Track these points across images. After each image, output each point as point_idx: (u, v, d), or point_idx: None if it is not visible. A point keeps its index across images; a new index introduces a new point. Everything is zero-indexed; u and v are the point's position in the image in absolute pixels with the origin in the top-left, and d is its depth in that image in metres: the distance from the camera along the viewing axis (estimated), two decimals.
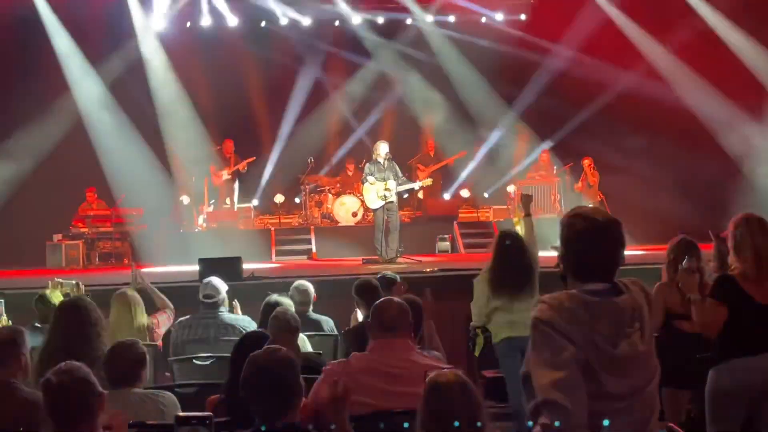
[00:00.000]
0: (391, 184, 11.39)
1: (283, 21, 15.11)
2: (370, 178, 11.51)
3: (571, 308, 2.57)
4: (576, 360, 2.50)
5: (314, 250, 13.40)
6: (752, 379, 4.24)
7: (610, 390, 2.53)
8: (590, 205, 2.78)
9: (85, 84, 14.09)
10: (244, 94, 15.24)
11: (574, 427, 2.45)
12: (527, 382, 2.58)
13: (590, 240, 2.66)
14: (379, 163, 11.54)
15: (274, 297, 5.66)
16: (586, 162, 14.12)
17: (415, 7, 15.25)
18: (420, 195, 14.82)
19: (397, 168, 11.74)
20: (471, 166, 15.28)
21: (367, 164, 11.86)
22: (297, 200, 15.11)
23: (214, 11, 14.75)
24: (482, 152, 15.36)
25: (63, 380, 3.00)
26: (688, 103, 13.97)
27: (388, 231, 11.53)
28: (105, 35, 14.41)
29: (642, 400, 2.62)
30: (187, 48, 14.86)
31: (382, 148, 11.63)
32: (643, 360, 2.61)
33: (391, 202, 11.46)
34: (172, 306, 6.24)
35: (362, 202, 12.91)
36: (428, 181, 12.75)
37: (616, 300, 2.61)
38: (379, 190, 11.42)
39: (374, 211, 11.75)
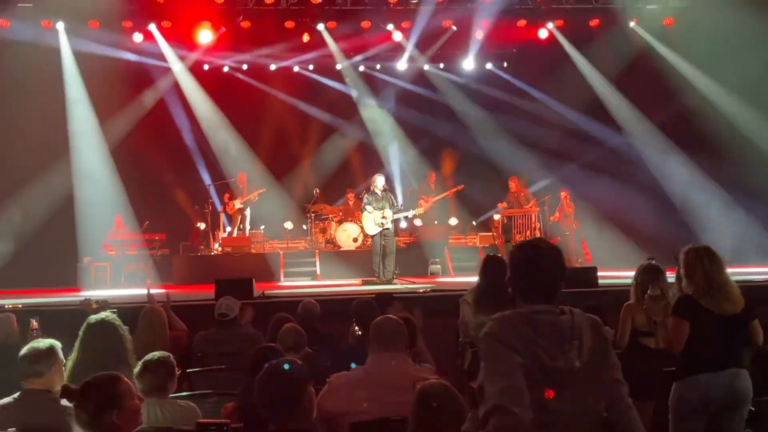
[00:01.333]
0: (388, 212, 11.47)
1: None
2: (369, 207, 11.56)
3: (515, 324, 2.63)
4: (521, 369, 2.54)
5: (318, 272, 13.42)
6: (713, 393, 4.27)
7: (549, 403, 2.55)
8: (539, 236, 2.81)
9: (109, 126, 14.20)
10: (259, 132, 15.39)
11: (521, 430, 2.47)
12: (481, 394, 2.60)
13: (532, 265, 2.74)
14: (376, 193, 11.61)
15: (283, 315, 5.70)
16: (563, 194, 14.21)
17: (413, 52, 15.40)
18: (417, 222, 14.88)
19: (393, 198, 11.81)
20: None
21: (366, 195, 11.90)
22: (303, 227, 15.16)
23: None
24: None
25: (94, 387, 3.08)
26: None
27: (385, 255, 11.56)
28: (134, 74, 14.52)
29: (584, 421, 2.63)
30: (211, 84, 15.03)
31: (379, 181, 11.70)
32: (581, 377, 2.61)
33: (388, 228, 11.52)
34: (185, 327, 6.26)
35: (362, 228, 12.93)
36: (420, 210, 12.76)
37: (556, 319, 2.66)
38: (376, 218, 11.48)
39: (372, 237, 11.78)
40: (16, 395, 3.89)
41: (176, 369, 4.05)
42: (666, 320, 4.48)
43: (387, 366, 3.80)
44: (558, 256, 2.77)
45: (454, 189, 14.85)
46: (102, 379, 3.10)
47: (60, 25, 13.50)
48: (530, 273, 2.74)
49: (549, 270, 2.74)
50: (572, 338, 2.64)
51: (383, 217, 11.46)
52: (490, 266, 6.07)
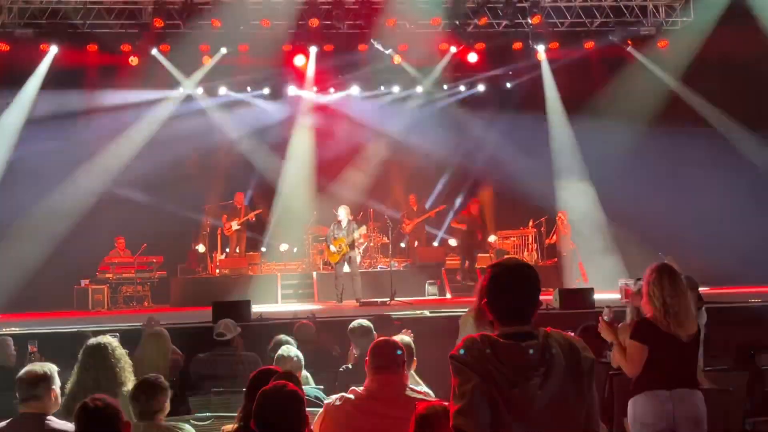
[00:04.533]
0: (344, 240, 12.07)
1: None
2: (331, 245, 12.20)
3: (479, 347, 2.57)
4: (480, 391, 2.49)
5: (316, 293, 13.39)
6: (665, 411, 4.29)
7: (514, 428, 2.50)
8: (512, 256, 2.77)
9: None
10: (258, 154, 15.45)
11: None
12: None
13: (505, 286, 2.66)
14: (340, 223, 12.15)
15: (281, 337, 5.68)
16: (559, 215, 14.24)
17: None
18: (416, 244, 14.93)
19: (354, 225, 12.30)
20: None
21: (332, 225, 12.37)
22: (296, 249, 15.17)
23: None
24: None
25: (97, 404, 3.13)
26: None
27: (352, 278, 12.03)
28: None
29: None
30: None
31: (341, 212, 12.23)
32: (542, 407, 2.52)
33: (349, 254, 12.06)
34: (180, 352, 6.26)
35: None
36: (363, 229, 12.92)
37: (520, 345, 2.58)
38: (335, 251, 12.13)
39: (335, 264, 12.25)
40: (11, 419, 3.87)
41: (169, 391, 4.02)
42: (622, 341, 4.51)
43: (384, 388, 3.78)
44: (530, 276, 2.67)
45: (436, 209, 14.91)
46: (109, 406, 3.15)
47: None
48: (501, 293, 2.65)
49: (519, 290, 2.65)
50: (538, 365, 2.54)
51: (340, 246, 12.06)
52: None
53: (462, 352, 2.57)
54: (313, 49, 14.27)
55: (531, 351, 2.56)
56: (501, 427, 2.48)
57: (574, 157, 14.78)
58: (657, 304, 4.37)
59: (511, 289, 2.65)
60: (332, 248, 12.19)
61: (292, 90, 15.24)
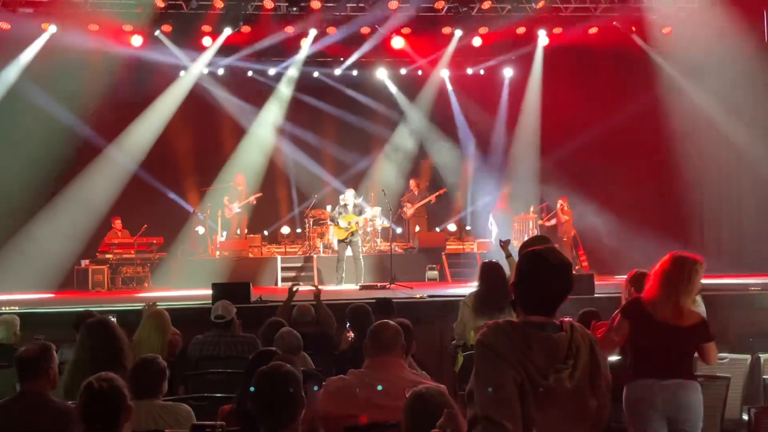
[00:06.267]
0: (354, 217, 12.30)
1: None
2: (339, 220, 12.27)
3: (510, 335, 2.54)
4: (513, 381, 2.47)
5: (316, 276, 13.41)
6: (656, 399, 4.30)
7: (537, 419, 2.49)
8: (552, 244, 2.74)
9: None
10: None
11: None
12: (471, 398, 2.56)
13: (541, 277, 2.63)
14: (347, 206, 12.34)
15: (274, 320, 5.69)
16: (559, 201, 14.21)
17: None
18: (416, 228, 14.92)
19: (363, 206, 12.61)
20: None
21: (337, 207, 12.53)
22: (299, 231, 15.18)
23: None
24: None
25: (102, 386, 3.03)
26: None
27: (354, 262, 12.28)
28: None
29: None
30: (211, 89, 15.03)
31: (348, 195, 12.51)
32: (570, 398, 2.54)
33: (355, 237, 12.29)
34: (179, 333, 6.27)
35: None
36: (377, 210, 13.24)
37: (554, 336, 2.58)
38: (344, 227, 12.22)
39: (339, 243, 12.45)
40: (11, 397, 3.88)
41: (167, 372, 4.03)
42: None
43: (383, 371, 3.79)
44: (568, 272, 2.66)
45: (437, 193, 14.89)
46: (114, 389, 3.08)
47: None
48: (536, 285, 2.63)
49: (556, 286, 2.63)
50: (567, 357, 2.56)
51: (349, 222, 12.19)
52: (488, 272, 6.18)
53: (493, 340, 2.53)
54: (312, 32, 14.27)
55: (562, 343, 2.57)
56: (526, 418, 2.47)
57: None
58: (662, 291, 4.34)
59: (549, 284, 2.63)
60: (342, 224, 12.25)
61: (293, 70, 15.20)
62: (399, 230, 15.43)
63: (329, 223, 13.12)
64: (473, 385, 2.54)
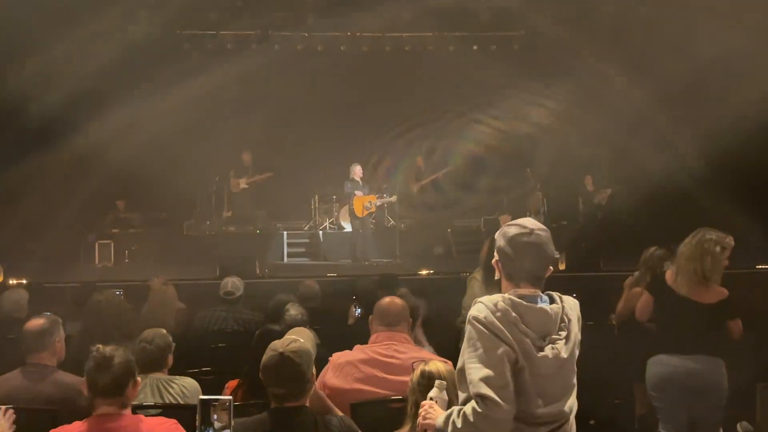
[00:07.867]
0: (374, 198, 12.44)
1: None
2: (358, 192, 12.32)
3: (504, 309, 2.51)
4: (507, 358, 2.45)
5: (322, 252, 13.41)
6: (680, 372, 4.32)
7: (532, 393, 2.48)
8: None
9: None
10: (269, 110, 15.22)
11: (502, 421, 2.42)
12: (461, 375, 2.54)
13: (523, 247, 2.60)
14: (356, 180, 12.35)
15: (280, 297, 5.67)
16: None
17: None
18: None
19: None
20: None
21: (347, 182, 12.51)
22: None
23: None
24: None
25: (110, 359, 3.02)
26: None
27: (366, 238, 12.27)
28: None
29: (564, 415, 2.55)
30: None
31: (357, 169, 12.52)
32: (564, 369, 2.55)
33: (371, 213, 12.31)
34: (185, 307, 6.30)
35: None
36: (393, 198, 13.02)
37: (546, 307, 2.57)
38: (368, 204, 12.22)
39: (353, 219, 12.47)
40: (19, 369, 3.90)
41: (173, 345, 4.05)
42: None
43: (388, 346, 3.80)
44: (549, 240, 2.63)
45: (444, 171, 14.80)
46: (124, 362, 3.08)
47: None
48: (524, 255, 2.59)
49: (539, 254, 2.60)
50: (560, 329, 2.56)
51: (370, 202, 12.22)
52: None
53: (486, 315, 2.51)
54: None
55: (555, 314, 2.56)
56: (521, 392, 2.46)
57: None
58: (687, 267, 4.35)
59: (534, 252, 2.60)
60: (366, 205, 12.32)
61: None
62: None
63: (348, 198, 12.88)
64: (465, 361, 2.52)
